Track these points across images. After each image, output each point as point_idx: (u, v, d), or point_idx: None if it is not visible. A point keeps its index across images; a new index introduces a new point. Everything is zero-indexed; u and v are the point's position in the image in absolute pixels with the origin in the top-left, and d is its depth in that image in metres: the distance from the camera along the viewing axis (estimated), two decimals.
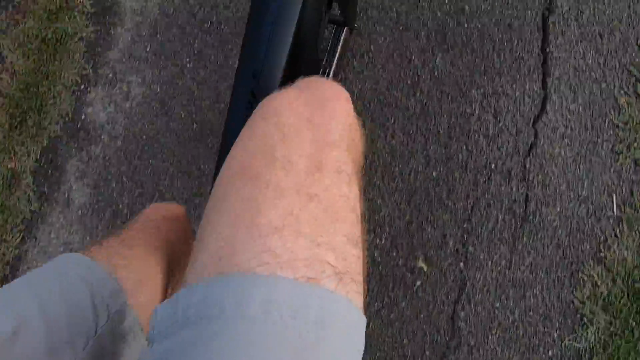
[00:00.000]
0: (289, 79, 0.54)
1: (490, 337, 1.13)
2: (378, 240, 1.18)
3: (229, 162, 0.38)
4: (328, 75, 1.19)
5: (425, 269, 1.17)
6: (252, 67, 0.57)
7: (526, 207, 1.18)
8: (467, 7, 1.31)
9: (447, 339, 1.14)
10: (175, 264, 0.72)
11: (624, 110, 1.25)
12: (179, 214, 0.79)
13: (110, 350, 0.51)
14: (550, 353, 1.12)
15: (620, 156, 1.22)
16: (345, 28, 1.21)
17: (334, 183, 0.35)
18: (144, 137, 1.32)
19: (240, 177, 0.35)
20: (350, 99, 0.44)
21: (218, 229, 0.33)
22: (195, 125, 1.30)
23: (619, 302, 1.15)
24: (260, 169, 0.35)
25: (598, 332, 1.12)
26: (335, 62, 1.18)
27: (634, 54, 1.29)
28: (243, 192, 0.34)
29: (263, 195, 0.33)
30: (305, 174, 0.35)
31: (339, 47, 1.19)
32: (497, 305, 1.16)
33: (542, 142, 1.22)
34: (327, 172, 0.36)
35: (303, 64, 0.63)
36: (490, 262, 1.16)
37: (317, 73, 1.08)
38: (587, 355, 1.12)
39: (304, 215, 0.32)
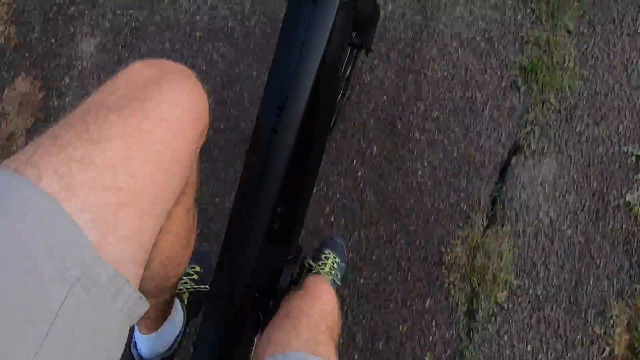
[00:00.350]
0: (309, 113, 0.64)
1: None
2: None
3: (279, 312, 0.71)
4: (345, 94, 1.29)
5: None
6: (275, 103, 0.63)
7: None
8: None
9: None
10: (189, 158, 0.47)
11: None
12: (184, 75, 0.50)
13: (88, 314, 0.36)
14: None
15: None
16: (362, 50, 1.25)
17: (326, 332, 0.66)
18: None
19: (286, 318, 0.67)
20: (335, 296, 0.75)
21: (278, 339, 0.63)
22: None
23: None
24: (295, 320, 0.67)
25: None
26: (350, 81, 1.31)
27: None
28: (288, 323, 0.66)
29: (299, 326, 0.65)
30: (315, 324, 0.67)
31: (355, 67, 1.29)
32: None
33: None
34: (325, 329, 0.67)
35: (324, 92, 0.68)
36: None
37: (336, 99, 1.16)
38: None
39: (318, 339, 0.64)
